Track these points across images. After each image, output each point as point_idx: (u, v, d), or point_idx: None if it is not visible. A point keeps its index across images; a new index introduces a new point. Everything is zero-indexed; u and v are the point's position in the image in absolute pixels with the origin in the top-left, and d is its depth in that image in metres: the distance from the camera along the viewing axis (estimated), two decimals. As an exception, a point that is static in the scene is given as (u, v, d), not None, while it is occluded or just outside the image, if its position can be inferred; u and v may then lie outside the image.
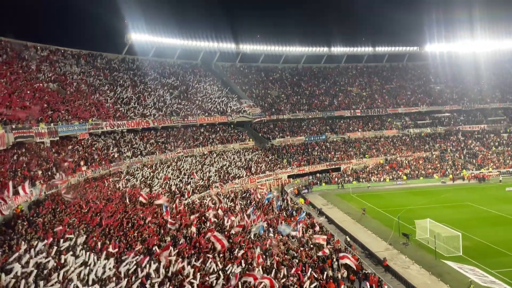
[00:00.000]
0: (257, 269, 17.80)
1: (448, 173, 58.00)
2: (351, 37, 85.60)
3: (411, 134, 70.45)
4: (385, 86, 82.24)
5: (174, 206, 26.75)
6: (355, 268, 22.37)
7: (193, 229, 22.20)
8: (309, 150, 63.09)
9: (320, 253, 23.00)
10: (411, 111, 75.17)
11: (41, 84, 40.51)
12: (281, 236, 25.34)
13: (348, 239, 31.49)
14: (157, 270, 15.96)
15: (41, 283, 13.06)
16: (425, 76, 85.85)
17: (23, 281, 12.80)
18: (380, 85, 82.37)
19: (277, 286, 16.23)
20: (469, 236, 31.41)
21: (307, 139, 65.49)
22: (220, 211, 27.36)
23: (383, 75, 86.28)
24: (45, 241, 16.37)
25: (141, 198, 27.25)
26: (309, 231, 28.48)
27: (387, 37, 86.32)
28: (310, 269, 19.52)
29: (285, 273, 18.48)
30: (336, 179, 57.19)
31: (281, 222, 27.86)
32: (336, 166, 60.60)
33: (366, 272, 23.32)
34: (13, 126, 27.59)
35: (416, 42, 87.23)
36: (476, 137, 68.66)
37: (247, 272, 16.99)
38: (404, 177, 57.14)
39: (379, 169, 59.96)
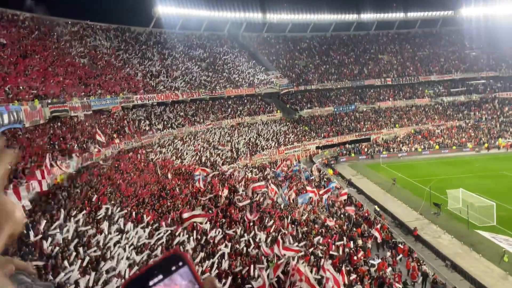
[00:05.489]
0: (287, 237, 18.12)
1: (482, 142, 56.25)
2: (381, 2, 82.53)
3: (444, 102, 68.21)
4: (417, 53, 79.28)
5: (205, 175, 27.24)
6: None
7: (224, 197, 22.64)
8: (338, 120, 62.29)
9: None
10: (445, 79, 72.39)
11: (73, 59, 41.40)
12: (310, 206, 25.55)
13: (378, 209, 31.41)
14: (190, 238, 16.52)
15: (81, 249, 13.80)
16: (459, 42, 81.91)
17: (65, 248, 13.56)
18: (412, 52, 79.47)
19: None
20: (504, 206, 30.63)
21: (335, 109, 64.53)
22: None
23: (415, 42, 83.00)
24: (84, 210, 17.14)
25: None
26: (337, 202, 28.57)
27: (419, 1, 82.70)
28: (338, 238, 19.72)
29: (314, 242, 18.75)
30: (365, 149, 56.53)
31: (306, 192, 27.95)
32: (366, 137, 59.75)
33: (396, 241, 23.35)
34: (49, 101, 28.52)
35: (450, 6, 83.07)
36: (514, 105, 65.83)
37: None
38: (437, 147, 55.85)
39: (410, 138, 58.77)
